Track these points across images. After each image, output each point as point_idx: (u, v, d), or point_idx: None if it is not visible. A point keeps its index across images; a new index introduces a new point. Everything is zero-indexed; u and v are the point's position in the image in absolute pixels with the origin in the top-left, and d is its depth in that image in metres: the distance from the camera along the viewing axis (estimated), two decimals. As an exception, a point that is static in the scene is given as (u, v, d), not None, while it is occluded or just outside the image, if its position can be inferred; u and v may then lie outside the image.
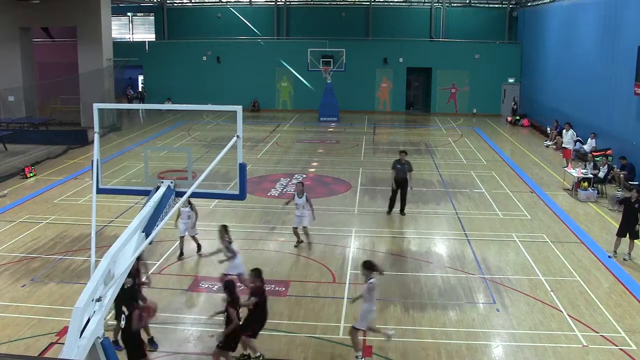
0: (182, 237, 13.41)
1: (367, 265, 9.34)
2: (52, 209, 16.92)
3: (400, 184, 16.47)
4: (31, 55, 32.22)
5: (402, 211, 16.55)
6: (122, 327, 8.31)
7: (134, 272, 9.09)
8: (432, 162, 23.33)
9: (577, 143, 23.75)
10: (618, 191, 17.90)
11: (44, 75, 35.82)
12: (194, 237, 13.49)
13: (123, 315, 8.30)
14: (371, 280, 9.17)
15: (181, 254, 13.41)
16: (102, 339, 6.45)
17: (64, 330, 9.39)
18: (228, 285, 8.94)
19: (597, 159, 20.69)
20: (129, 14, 41.60)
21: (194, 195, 7.80)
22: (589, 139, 23.34)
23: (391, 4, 39.72)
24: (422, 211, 17.07)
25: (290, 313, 10.81)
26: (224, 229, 11.29)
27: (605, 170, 19.29)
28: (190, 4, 41.12)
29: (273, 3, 39.44)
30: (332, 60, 34.02)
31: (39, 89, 33.53)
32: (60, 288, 11.71)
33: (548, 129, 28.43)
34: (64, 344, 6.07)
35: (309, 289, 11.86)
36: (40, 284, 11.91)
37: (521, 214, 16.78)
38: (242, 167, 7.79)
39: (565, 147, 23.06)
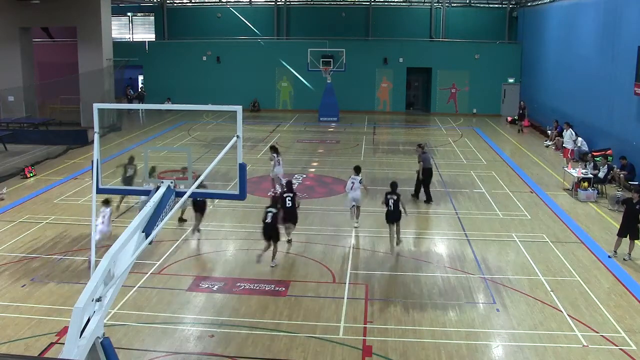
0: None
1: (355, 168, 15.66)
2: (52, 209, 16.92)
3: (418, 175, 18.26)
4: (31, 55, 32.21)
5: (426, 200, 17.97)
6: (268, 221, 12.83)
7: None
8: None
9: (578, 141, 23.66)
10: (618, 191, 17.89)
11: (44, 75, 35.84)
12: None
13: (270, 214, 12.82)
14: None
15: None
16: (102, 339, 6.45)
17: (64, 330, 9.40)
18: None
19: (597, 159, 20.68)
20: (129, 14, 41.62)
21: (194, 195, 7.81)
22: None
23: (391, 4, 39.72)
24: (422, 211, 17.07)
25: (290, 313, 10.80)
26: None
27: (605, 170, 19.29)
28: (190, 4, 41.12)
29: (273, 3, 39.44)
30: (332, 60, 34.00)
31: (39, 89, 33.53)
32: (60, 288, 11.71)
33: (548, 129, 28.43)
34: (64, 344, 6.07)
35: (309, 289, 11.85)
36: (40, 284, 11.91)
37: (521, 214, 16.78)
38: (242, 167, 7.79)
39: (565, 147, 23.07)
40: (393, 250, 13.85)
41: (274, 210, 12.99)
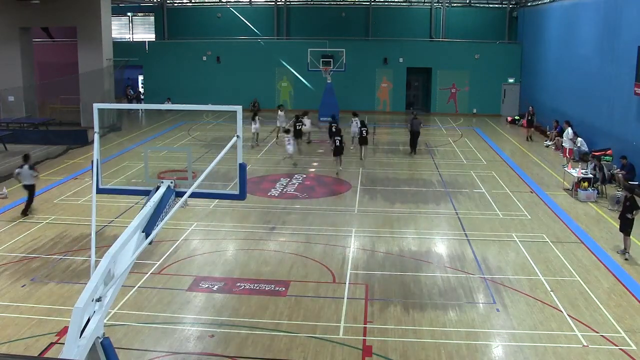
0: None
1: (354, 113, 25.26)
2: (52, 209, 16.92)
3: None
4: (31, 55, 32.21)
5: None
6: (337, 144, 20.88)
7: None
8: (432, 162, 23.33)
9: (577, 141, 23.64)
10: (618, 191, 17.89)
11: (44, 75, 35.83)
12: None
13: (338, 140, 20.91)
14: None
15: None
16: (102, 339, 6.45)
17: (64, 330, 9.40)
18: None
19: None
20: (129, 14, 41.61)
21: (194, 195, 7.81)
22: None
23: (391, 4, 39.71)
24: (422, 211, 17.08)
25: (290, 313, 10.80)
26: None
27: (604, 170, 19.27)
28: (190, 4, 41.12)
29: (273, 3, 39.44)
30: (332, 60, 33.96)
31: (39, 89, 33.52)
32: (60, 288, 11.72)
33: (548, 129, 28.38)
34: (64, 344, 6.07)
35: (309, 289, 11.86)
36: (40, 284, 11.91)
37: (521, 214, 16.78)
38: (242, 167, 7.79)
39: (563, 146, 23.05)
40: (362, 161, 23.09)
41: (339, 137, 21.04)
